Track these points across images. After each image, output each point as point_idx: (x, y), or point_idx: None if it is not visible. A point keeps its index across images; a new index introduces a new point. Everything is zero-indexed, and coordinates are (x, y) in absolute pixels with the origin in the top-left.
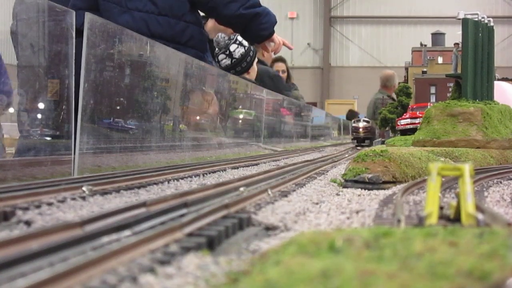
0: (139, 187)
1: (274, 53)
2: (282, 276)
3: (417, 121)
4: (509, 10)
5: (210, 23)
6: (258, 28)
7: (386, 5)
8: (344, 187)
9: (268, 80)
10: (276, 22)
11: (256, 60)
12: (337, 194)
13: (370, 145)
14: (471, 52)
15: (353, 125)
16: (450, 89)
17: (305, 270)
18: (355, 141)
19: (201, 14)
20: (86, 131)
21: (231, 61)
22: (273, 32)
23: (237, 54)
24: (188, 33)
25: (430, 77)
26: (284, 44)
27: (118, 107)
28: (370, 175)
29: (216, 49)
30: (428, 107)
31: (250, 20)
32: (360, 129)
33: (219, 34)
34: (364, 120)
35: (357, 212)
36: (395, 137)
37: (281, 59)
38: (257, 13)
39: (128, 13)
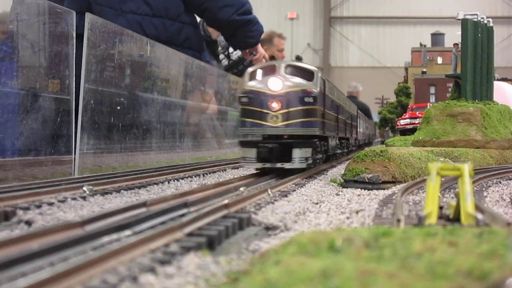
0: (139, 187)
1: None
2: (282, 276)
3: (416, 121)
4: (509, 10)
5: None
6: (247, 35)
7: (386, 5)
8: (344, 187)
9: None
10: (262, 32)
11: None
12: (337, 194)
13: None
14: (471, 53)
15: (242, 95)
16: (450, 89)
17: (305, 269)
18: (254, 161)
19: None
20: (86, 131)
21: (228, 62)
22: (259, 41)
23: (234, 56)
24: (184, 34)
25: (430, 77)
26: (264, 57)
27: (118, 107)
28: (369, 175)
29: (219, 48)
30: (428, 107)
31: (241, 26)
32: (273, 104)
33: None
34: (291, 67)
35: (357, 212)
36: (395, 137)
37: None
38: (248, 20)
39: (123, 16)
